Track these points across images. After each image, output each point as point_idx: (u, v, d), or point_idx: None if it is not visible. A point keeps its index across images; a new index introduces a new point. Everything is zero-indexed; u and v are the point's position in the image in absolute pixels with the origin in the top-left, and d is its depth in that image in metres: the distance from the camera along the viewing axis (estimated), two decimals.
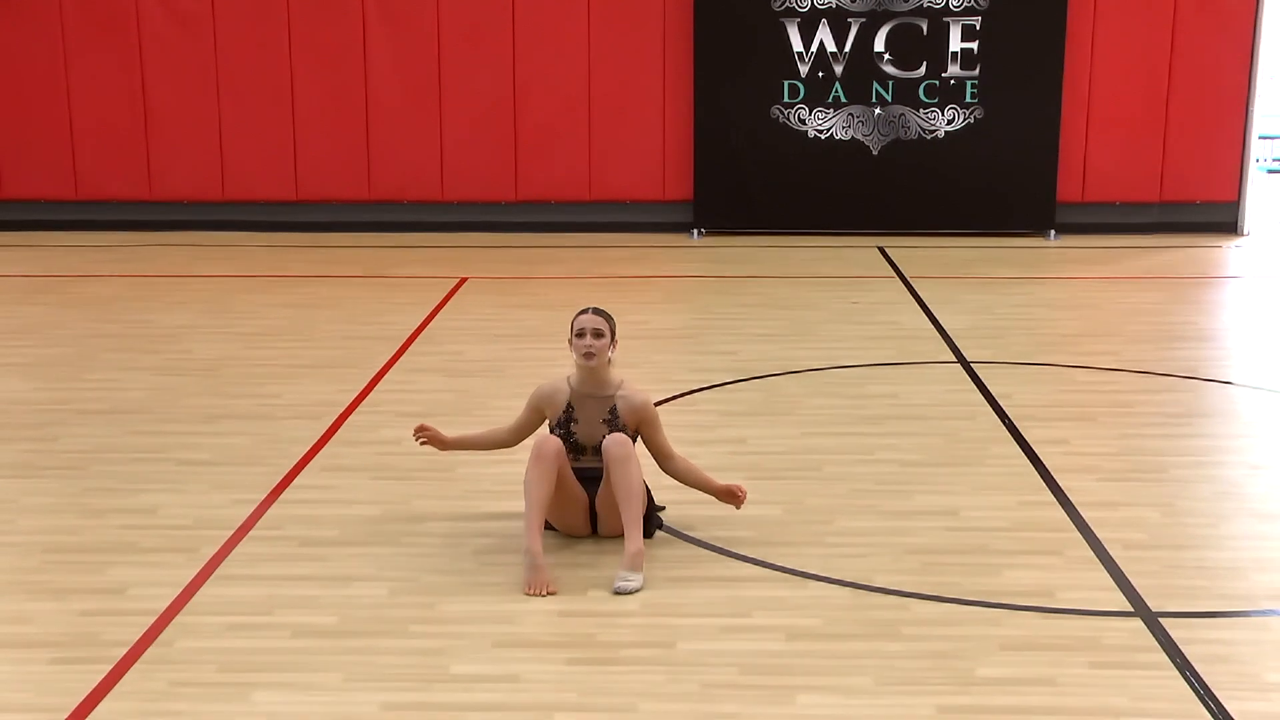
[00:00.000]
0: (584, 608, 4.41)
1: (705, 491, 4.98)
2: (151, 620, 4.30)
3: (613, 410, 4.84)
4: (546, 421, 4.94)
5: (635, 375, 7.07)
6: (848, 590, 4.53)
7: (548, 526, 4.86)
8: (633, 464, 4.66)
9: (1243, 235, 11.03)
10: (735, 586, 4.56)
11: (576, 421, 4.85)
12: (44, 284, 9.54)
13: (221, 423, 6.33)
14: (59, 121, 11.21)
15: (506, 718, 3.75)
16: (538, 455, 4.67)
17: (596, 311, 4.87)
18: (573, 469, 4.84)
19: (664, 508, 5.01)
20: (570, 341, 4.84)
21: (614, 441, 4.68)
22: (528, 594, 4.47)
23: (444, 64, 11.05)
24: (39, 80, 11.14)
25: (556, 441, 4.73)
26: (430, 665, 4.03)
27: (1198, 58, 10.80)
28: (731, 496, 4.96)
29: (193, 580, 4.60)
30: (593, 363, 4.80)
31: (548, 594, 4.47)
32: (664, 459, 4.95)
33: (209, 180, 11.27)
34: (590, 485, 4.86)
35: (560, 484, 4.72)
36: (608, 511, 4.82)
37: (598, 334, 4.81)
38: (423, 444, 5.13)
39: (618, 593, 4.47)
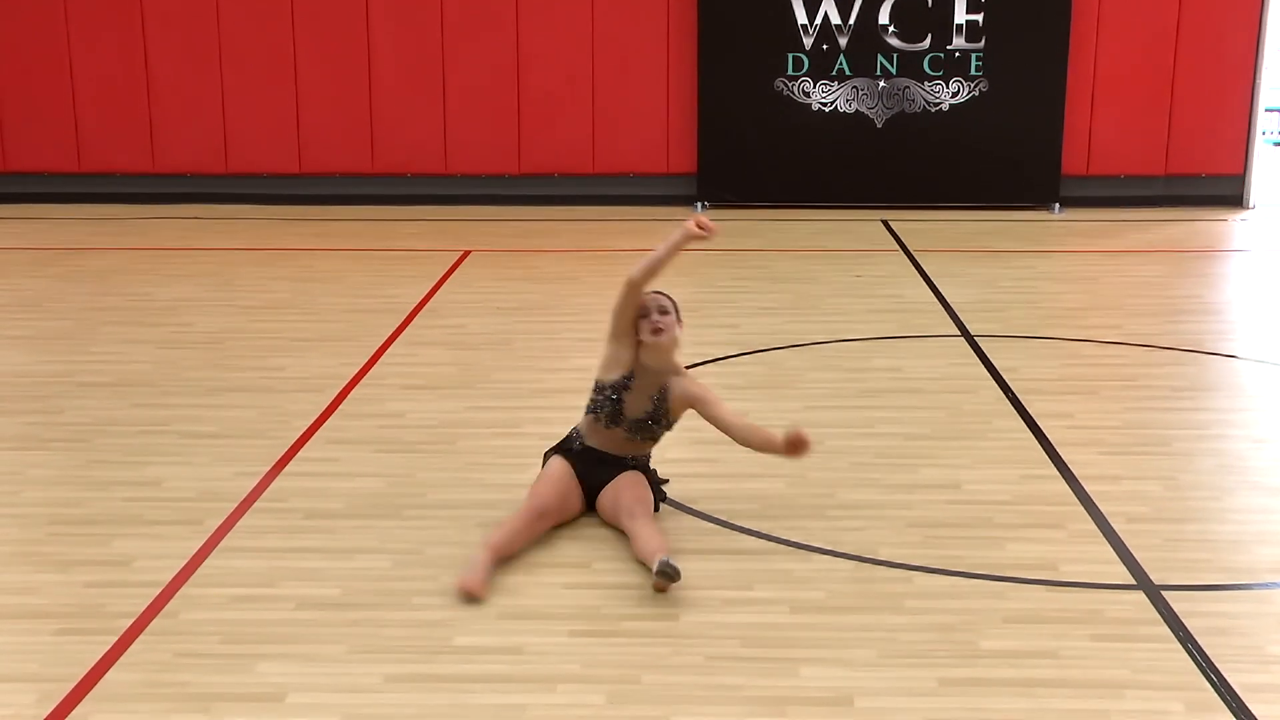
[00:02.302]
0: (587, 580, 4.42)
1: (771, 452, 4.77)
2: (157, 592, 4.31)
3: (663, 390, 4.78)
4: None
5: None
6: (851, 563, 4.53)
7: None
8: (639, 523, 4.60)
9: (1248, 208, 11.00)
10: (738, 559, 4.57)
11: (629, 390, 4.79)
12: (46, 256, 9.54)
13: (225, 395, 6.33)
14: (62, 94, 11.19)
15: (510, 689, 3.76)
16: (540, 509, 4.63)
17: (658, 293, 4.83)
18: (593, 445, 4.81)
19: (667, 480, 5.02)
20: (636, 325, 4.76)
21: (626, 514, 4.63)
22: (457, 586, 4.29)
23: (446, 37, 11.02)
24: (42, 52, 11.12)
25: (558, 502, 4.70)
26: (434, 637, 4.05)
27: (1203, 30, 10.75)
28: (797, 447, 4.67)
29: (197, 552, 4.61)
30: (663, 338, 4.74)
31: (468, 596, 4.25)
32: (728, 431, 4.80)
33: (212, 153, 11.26)
34: (599, 469, 4.81)
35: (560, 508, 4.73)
36: (606, 507, 4.80)
37: (663, 310, 4.77)
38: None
39: (666, 569, 4.24)
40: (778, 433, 4.79)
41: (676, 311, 4.83)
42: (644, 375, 4.81)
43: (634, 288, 4.79)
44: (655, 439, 4.90)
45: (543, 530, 4.66)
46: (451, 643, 4.02)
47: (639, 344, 4.82)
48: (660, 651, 3.96)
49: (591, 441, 4.86)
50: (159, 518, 4.91)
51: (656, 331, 4.76)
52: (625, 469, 4.83)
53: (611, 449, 4.85)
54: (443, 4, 10.98)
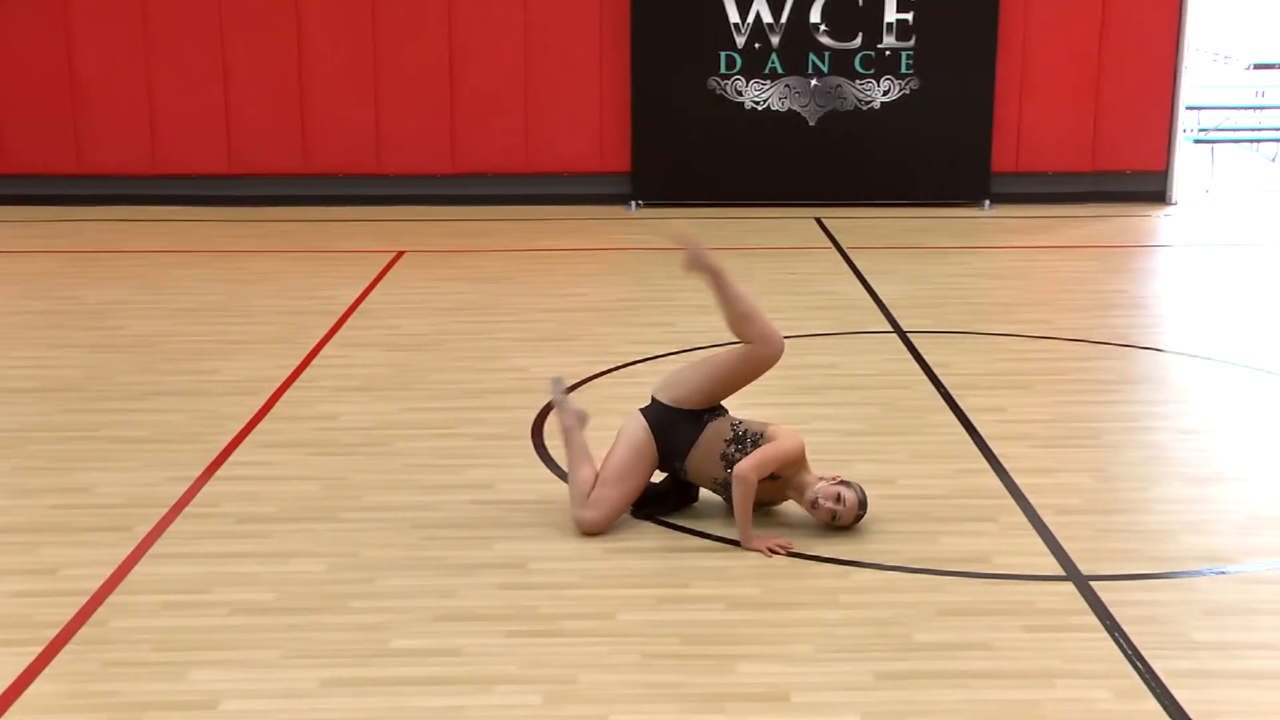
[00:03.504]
0: (524, 580, 4.42)
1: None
2: (84, 600, 4.25)
3: (727, 460, 4.73)
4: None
5: (575, 348, 7.09)
6: (786, 559, 4.56)
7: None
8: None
9: (1171, 204, 11.19)
10: (674, 557, 4.58)
11: (685, 458, 4.79)
12: None
13: (156, 399, 6.25)
14: None
15: (447, 691, 3.74)
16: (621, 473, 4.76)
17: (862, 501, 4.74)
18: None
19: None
20: (824, 489, 4.67)
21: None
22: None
23: (379, 35, 10.93)
24: None
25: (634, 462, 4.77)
26: (370, 640, 4.02)
27: (1128, 30, 10.93)
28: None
29: (127, 559, 4.54)
30: (822, 520, 4.71)
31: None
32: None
33: (140, 153, 11.08)
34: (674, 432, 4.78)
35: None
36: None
37: (840, 508, 4.68)
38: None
39: None
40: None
41: (857, 509, 4.72)
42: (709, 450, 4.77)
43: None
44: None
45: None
46: (388, 646, 3.99)
47: (793, 491, 4.78)
48: (597, 650, 3.96)
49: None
50: (87, 525, 4.84)
51: (829, 517, 4.68)
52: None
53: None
54: (375, 2, 10.90)
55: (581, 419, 4.94)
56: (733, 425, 4.78)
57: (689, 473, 4.81)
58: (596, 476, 4.75)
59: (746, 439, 4.72)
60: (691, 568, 4.49)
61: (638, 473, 4.76)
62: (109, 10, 10.85)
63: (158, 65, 10.94)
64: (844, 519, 4.69)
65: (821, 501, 4.66)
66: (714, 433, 4.76)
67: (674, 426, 4.77)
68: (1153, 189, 11.24)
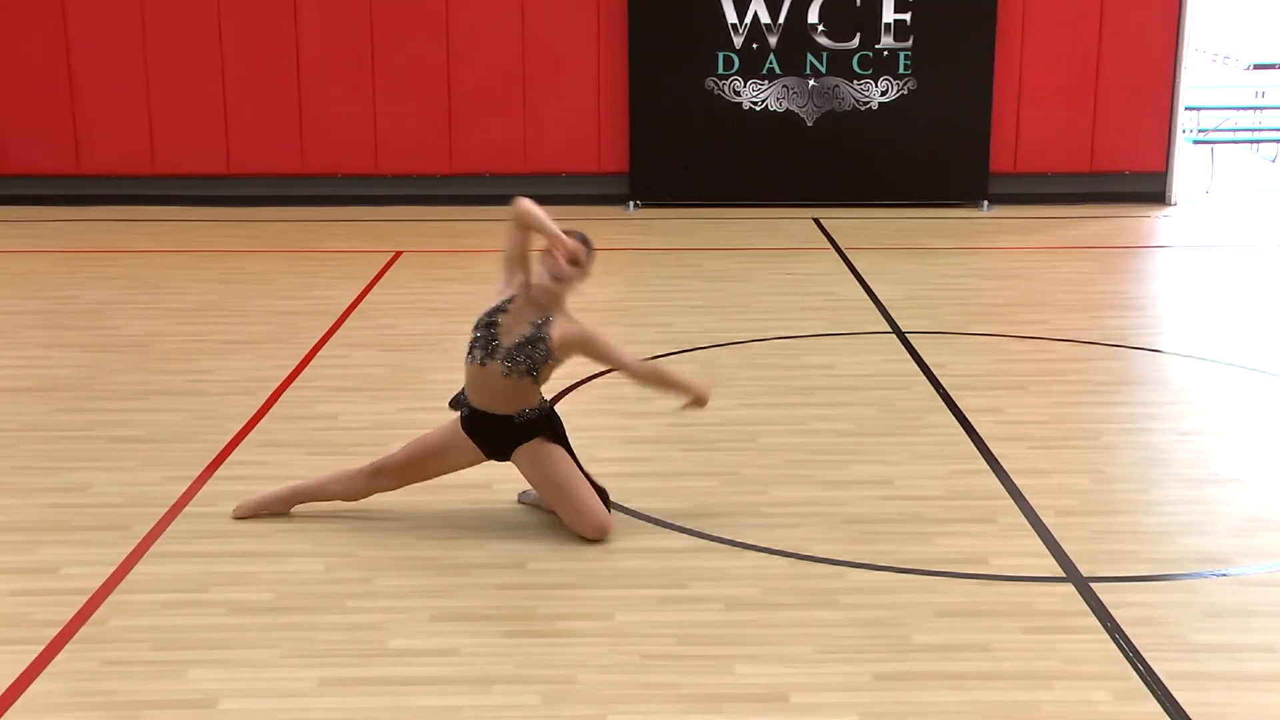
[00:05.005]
0: (522, 580, 4.41)
1: (671, 392, 4.76)
2: (84, 600, 4.24)
3: (546, 321, 4.60)
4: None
5: None
6: (784, 560, 4.56)
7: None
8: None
9: (1170, 205, 11.19)
10: (672, 557, 4.58)
11: (507, 313, 4.62)
12: None
13: (153, 399, 6.24)
14: None
15: (445, 691, 3.74)
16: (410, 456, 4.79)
17: (586, 242, 4.66)
18: (477, 406, 4.65)
19: (608, 492, 4.96)
20: (547, 252, 4.61)
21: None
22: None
23: (376, 36, 10.92)
24: None
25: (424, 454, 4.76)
26: (368, 640, 4.02)
27: (1126, 30, 10.93)
28: (701, 403, 4.73)
29: (126, 558, 4.54)
30: (559, 287, 4.61)
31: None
32: (624, 369, 4.74)
33: (137, 154, 11.07)
34: (492, 436, 4.68)
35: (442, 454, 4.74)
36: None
37: (574, 261, 4.60)
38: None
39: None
40: (686, 375, 4.83)
41: (588, 261, 4.66)
42: (527, 304, 4.63)
43: (521, 222, 4.68)
44: (536, 375, 4.62)
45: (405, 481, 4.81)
46: (386, 645, 3.99)
47: (529, 281, 4.67)
48: (595, 651, 3.96)
49: (474, 400, 4.67)
50: (86, 524, 4.83)
51: (557, 279, 4.60)
52: (514, 429, 4.65)
53: (495, 403, 4.63)
54: (372, 3, 10.89)
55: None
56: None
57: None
58: (586, 484, 4.71)
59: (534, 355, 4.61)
60: (689, 568, 4.49)
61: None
62: (107, 11, 10.84)
63: (155, 66, 10.93)
64: (580, 258, 4.62)
65: (557, 270, 4.59)
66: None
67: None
68: (1152, 190, 11.24)
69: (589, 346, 4.68)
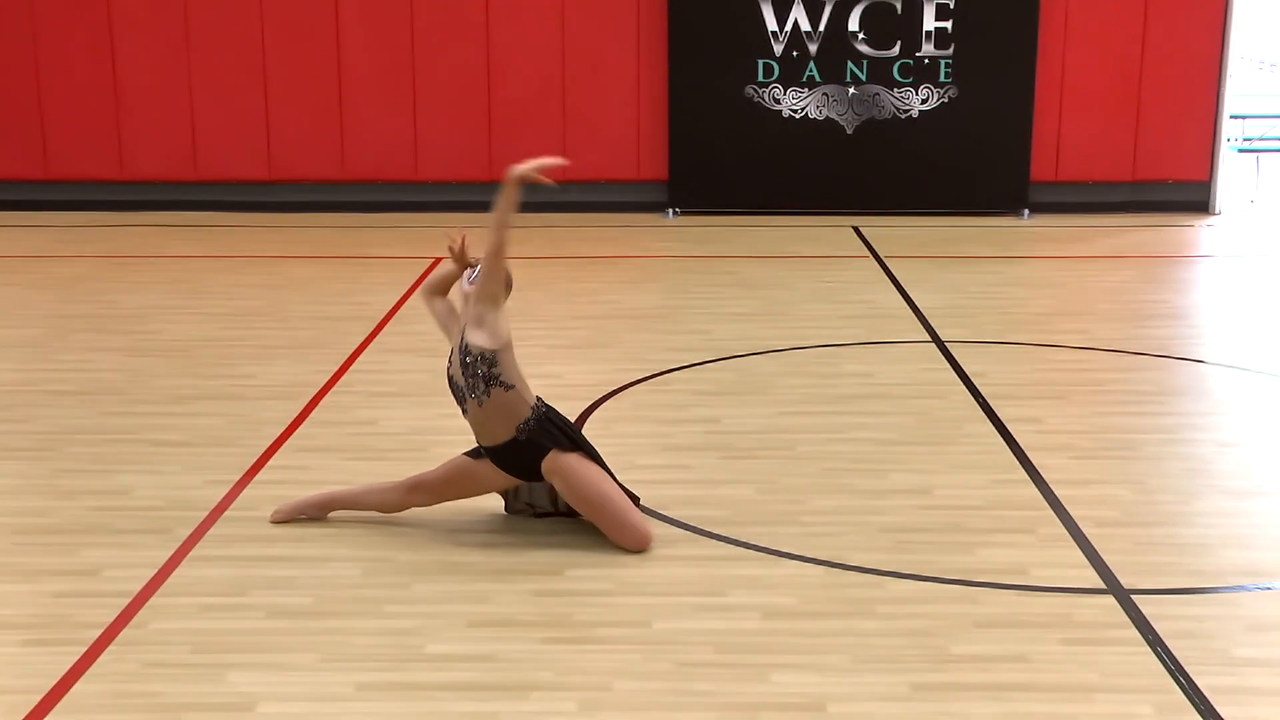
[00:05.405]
0: (559, 587, 4.42)
1: (507, 214, 5.28)
2: (125, 602, 4.28)
3: (463, 336, 4.83)
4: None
5: (609, 355, 7.10)
6: (822, 569, 4.54)
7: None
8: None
9: (1214, 214, 11.09)
10: (710, 565, 4.57)
11: (450, 359, 4.86)
12: (12, 264, 9.46)
13: (194, 404, 6.29)
14: (29, 100, 11.10)
15: (482, 697, 3.75)
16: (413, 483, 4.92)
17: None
18: (485, 445, 4.76)
19: (639, 498, 4.97)
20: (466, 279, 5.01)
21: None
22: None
23: (417, 44, 10.99)
24: (8, 58, 11.03)
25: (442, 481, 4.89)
26: (405, 645, 4.03)
27: (1170, 37, 10.85)
28: (520, 180, 5.21)
29: (167, 561, 4.58)
30: (475, 291, 4.97)
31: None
32: (487, 259, 5.13)
33: (181, 160, 11.19)
34: (513, 468, 4.78)
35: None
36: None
37: (451, 253, 5.02)
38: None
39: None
40: (500, 206, 5.30)
41: (462, 251, 5.12)
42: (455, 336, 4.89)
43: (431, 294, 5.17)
44: (500, 381, 4.72)
45: (413, 504, 4.88)
46: (423, 651, 4.00)
47: (456, 311, 5.01)
48: (632, 658, 3.95)
49: (483, 442, 4.80)
50: (127, 527, 4.87)
51: (469, 282, 4.99)
52: (523, 447, 4.71)
53: (497, 434, 4.72)
54: (413, 11, 10.96)
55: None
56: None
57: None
58: (621, 495, 4.74)
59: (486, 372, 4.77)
60: (728, 576, 4.48)
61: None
62: (152, 19, 10.97)
63: (199, 73, 11.05)
64: (453, 249, 5.05)
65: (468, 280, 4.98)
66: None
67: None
68: (1195, 199, 11.15)
69: (473, 304, 4.90)
